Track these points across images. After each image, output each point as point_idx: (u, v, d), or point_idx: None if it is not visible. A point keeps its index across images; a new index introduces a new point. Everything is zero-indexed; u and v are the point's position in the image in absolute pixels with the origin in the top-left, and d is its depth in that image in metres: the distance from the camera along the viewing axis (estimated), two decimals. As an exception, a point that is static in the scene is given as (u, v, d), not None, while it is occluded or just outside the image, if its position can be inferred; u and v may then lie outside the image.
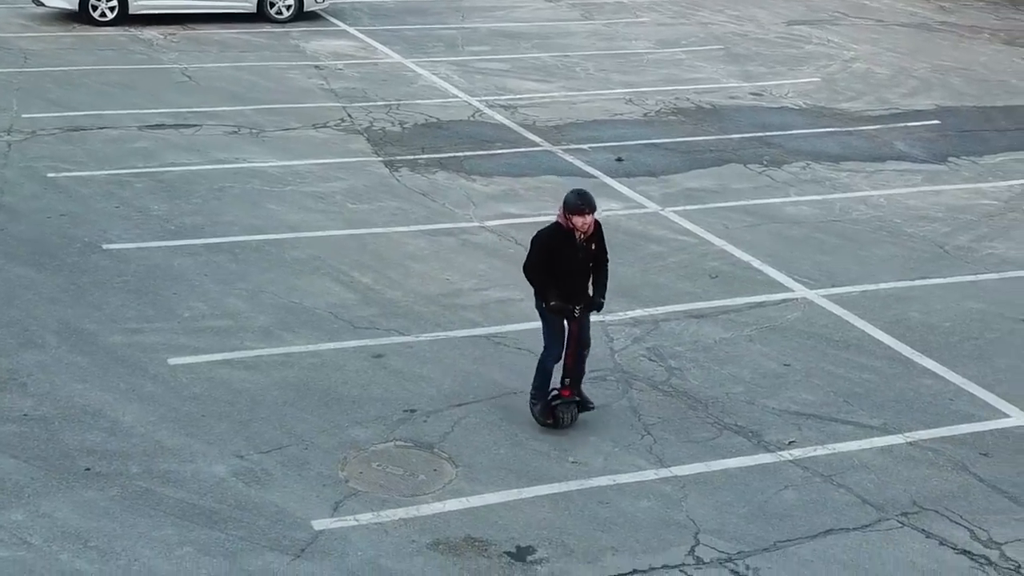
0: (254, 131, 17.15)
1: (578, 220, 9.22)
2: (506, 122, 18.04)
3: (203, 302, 11.74)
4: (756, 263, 13.12)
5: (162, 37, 22.79)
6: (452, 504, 8.71)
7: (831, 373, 10.78)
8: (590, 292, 9.57)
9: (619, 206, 14.63)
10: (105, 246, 12.95)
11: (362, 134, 17.18)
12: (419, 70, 21.02)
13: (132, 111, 17.87)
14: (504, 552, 8.20)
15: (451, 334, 11.27)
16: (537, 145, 17.02)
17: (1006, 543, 8.46)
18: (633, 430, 9.69)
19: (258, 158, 16.02)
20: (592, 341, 9.83)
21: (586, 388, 9.85)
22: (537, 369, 9.70)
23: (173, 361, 10.57)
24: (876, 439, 9.73)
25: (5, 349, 10.68)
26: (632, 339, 11.25)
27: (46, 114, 17.55)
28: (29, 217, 13.70)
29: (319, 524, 8.41)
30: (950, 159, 17.08)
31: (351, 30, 24.10)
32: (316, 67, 20.95)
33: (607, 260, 9.64)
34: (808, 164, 16.57)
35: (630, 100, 19.52)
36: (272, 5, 24.40)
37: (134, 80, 19.63)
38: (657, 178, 15.85)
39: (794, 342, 11.35)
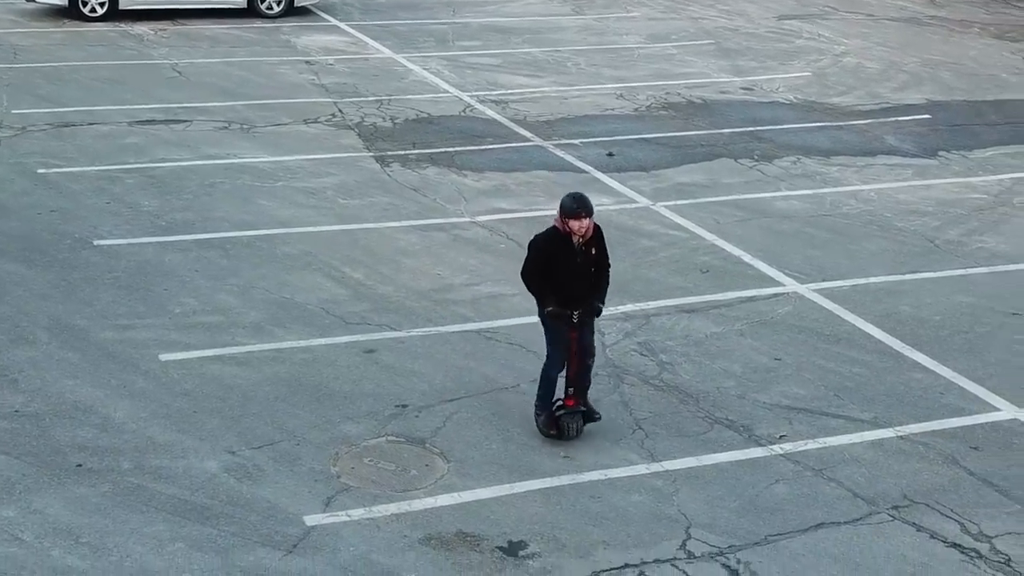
0: (245, 126, 17.14)
1: (574, 224, 9.05)
2: (497, 117, 18.04)
3: (194, 298, 11.73)
4: (747, 257, 13.14)
5: (152, 33, 22.76)
6: (444, 499, 8.71)
7: (822, 367, 10.81)
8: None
9: (610, 201, 14.64)
10: (96, 242, 12.94)
11: (353, 129, 17.18)
12: (410, 65, 21.01)
13: (122, 107, 17.84)
14: (496, 547, 8.21)
15: (442, 329, 11.28)
16: (528, 140, 17.02)
17: (996, 536, 8.48)
18: (624, 425, 9.70)
19: (249, 154, 16.01)
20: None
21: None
22: (540, 378, 9.47)
23: (164, 357, 10.57)
24: (867, 433, 9.76)
25: (-4, 345, 10.68)
26: (623, 334, 11.26)
27: (36, 110, 17.51)
28: (19, 213, 13.68)
29: (311, 520, 8.42)
30: (940, 153, 17.11)
31: (342, 25, 24.08)
32: (307, 62, 20.93)
33: (609, 266, 9.42)
34: (799, 158, 16.60)
35: (621, 95, 19.53)
36: (263, 0, 24.36)
37: (124, 76, 19.61)
38: (648, 173, 15.86)
39: (785, 336, 11.37)
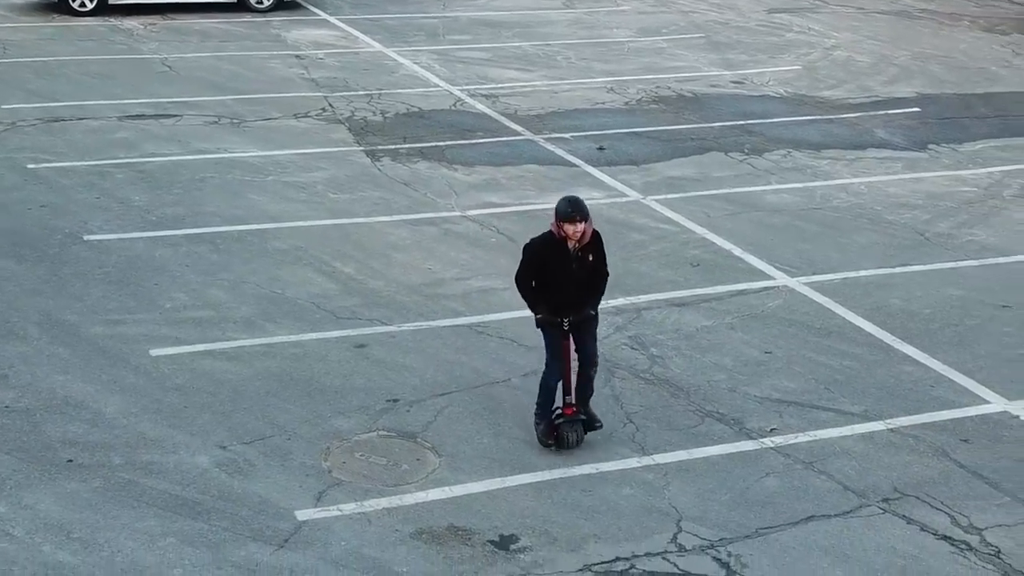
0: (235, 121, 17.11)
1: (569, 228, 8.82)
2: (487, 111, 18.04)
3: (185, 293, 11.72)
4: (737, 251, 13.15)
5: (142, 27, 22.72)
6: (435, 493, 8.72)
7: (812, 360, 10.82)
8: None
9: (601, 195, 14.64)
10: (86, 237, 12.92)
11: (343, 124, 17.16)
12: (400, 59, 20.99)
13: (112, 101, 17.80)
14: (487, 541, 8.22)
15: (433, 324, 11.28)
16: (519, 134, 17.02)
17: (986, 528, 8.51)
18: (615, 418, 9.71)
19: (239, 148, 15.99)
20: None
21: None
22: (540, 387, 9.31)
23: (155, 352, 10.56)
24: (857, 426, 9.78)
25: (-14, 341, 10.67)
26: (614, 328, 11.26)
27: (26, 105, 17.47)
28: (9, 208, 13.65)
29: (302, 514, 8.42)
30: (930, 146, 17.14)
31: (332, 19, 24.04)
32: (297, 56, 20.90)
33: (607, 273, 9.22)
34: (789, 152, 16.61)
35: (611, 89, 19.53)
36: (252, -5, 24.34)
37: (114, 70, 19.57)
38: (639, 167, 15.87)
39: (775, 330, 11.39)
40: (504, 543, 8.20)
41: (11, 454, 8.99)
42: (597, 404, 9.72)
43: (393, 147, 16.22)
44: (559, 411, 9.24)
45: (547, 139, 16.81)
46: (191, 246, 12.79)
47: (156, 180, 14.67)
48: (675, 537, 8.32)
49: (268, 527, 8.27)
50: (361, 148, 16.17)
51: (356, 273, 12.31)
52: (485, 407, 9.85)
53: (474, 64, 20.82)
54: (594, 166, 15.77)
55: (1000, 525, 8.55)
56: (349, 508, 8.51)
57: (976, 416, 10.00)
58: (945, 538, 8.40)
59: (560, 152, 16.28)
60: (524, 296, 9.17)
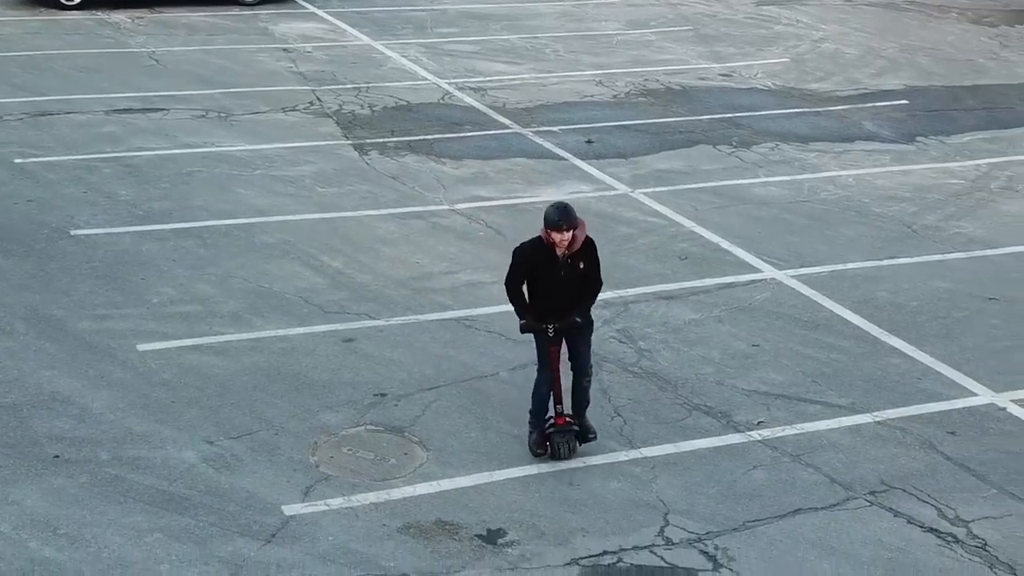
0: (222, 115, 17.08)
1: (556, 236, 8.58)
2: (476, 104, 18.02)
3: (172, 287, 11.70)
4: (725, 244, 13.16)
5: (129, 20, 22.65)
6: (423, 488, 8.72)
7: (800, 353, 10.84)
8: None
9: (589, 188, 14.64)
10: (73, 232, 12.88)
11: (331, 117, 17.13)
12: (388, 52, 20.96)
13: (99, 95, 17.75)
14: (475, 535, 8.22)
15: (421, 318, 11.27)
16: (507, 127, 17.01)
17: (973, 521, 8.53)
18: (603, 412, 9.71)
19: (227, 142, 15.95)
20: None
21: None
22: (532, 395, 9.18)
23: (142, 347, 10.54)
24: (844, 419, 9.79)
25: (-28, 336, 10.64)
26: (602, 321, 11.22)
27: (12, 99, 17.41)
28: (-4, 203, 13.63)
29: (290, 509, 8.41)
30: (918, 139, 17.16)
31: (320, 12, 23.99)
32: (284, 50, 20.86)
33: (599, 281, 8.99)
34: (777, 145, 16.62)
35: (600, 82, 19.52)
36: (240, -12, 24.27)
37: (101, 64, 19.51)
38: (627, 160, 15.86)
39: (763, 323, 11.40)
40: (492, 537, 8.20)
41: (-2, 450, 8.98)
42: (585, 398, 9.74)
43: (381, 141, 16.20)
44: (551, 420, 9.07)
45: (535, 132, 16.80)
46: (178, 240, 12.77)
47: (143, 174, 14.64)
48: (662, 530, 8.32)
49: (255, 522, 8.26)
50: (349, 142, 16.15)
51: (344, 267, 12.29)
52: (473, 401, 9.85)
53: (462, 57, 20.80)
54: (582, 159, 15.77)
55: (987, 517, 8.57)
56: (337, 503, 8.51)
57: (963, 408, 10.02)
58: (932, 530, 8.42)
59: (548, 145, 16.27)
60: (512, 301, 9.00)
